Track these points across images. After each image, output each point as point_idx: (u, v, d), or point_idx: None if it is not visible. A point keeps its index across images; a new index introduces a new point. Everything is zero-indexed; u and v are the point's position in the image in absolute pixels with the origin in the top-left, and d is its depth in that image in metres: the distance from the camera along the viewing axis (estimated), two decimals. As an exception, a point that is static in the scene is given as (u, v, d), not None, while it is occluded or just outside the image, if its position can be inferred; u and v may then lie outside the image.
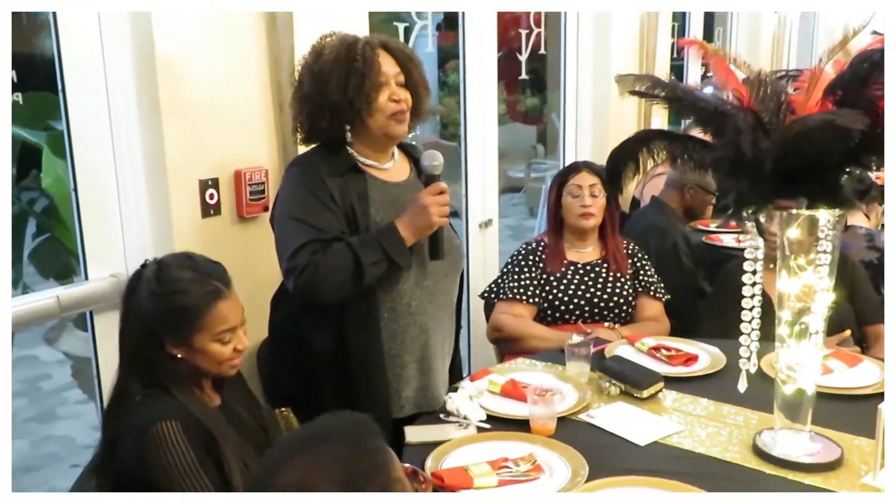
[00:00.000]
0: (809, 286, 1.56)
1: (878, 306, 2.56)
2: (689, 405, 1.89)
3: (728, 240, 3.50)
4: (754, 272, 1.59)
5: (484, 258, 3.53)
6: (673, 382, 2.00)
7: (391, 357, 1.90)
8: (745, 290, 1.58)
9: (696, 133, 1.65)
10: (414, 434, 1.71)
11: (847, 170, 1.52)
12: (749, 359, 1.64)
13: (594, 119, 4.11)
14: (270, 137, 2.35)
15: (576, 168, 2.67)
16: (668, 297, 2.66)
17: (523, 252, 2.64)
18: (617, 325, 2.56)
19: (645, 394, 1.91)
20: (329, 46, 1.87)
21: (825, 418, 1.70)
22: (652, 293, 2.62)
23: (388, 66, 1.88)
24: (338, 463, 0.98)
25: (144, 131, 2.09)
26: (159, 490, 1.44)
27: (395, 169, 1.99)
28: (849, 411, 1.82)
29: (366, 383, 1.87)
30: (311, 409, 1.93)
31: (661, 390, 1.94)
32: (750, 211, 1.56)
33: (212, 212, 2.21)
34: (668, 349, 2.20)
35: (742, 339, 1.62)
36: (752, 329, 1.62)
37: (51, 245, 3.23)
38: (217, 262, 1.64)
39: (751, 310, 1.60)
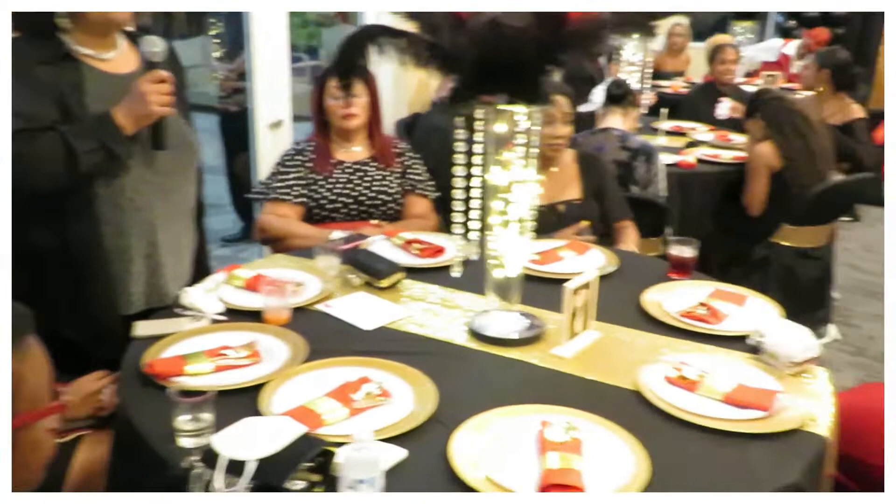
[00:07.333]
0: (513, 178, 1.68)
1: (622, 203, 2.79)
2: (424, 293, 2.01)
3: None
4: (468, 165, 1.69)
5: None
6: (417, 273, 2.11)
7: (117, 252, 1.89)
8: (457, 183, 1.69)
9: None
10: (143, 328, 1.71)
11: (546, 68, 1.64)
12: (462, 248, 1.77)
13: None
14: None
15: (331, 72, 2.66)
16: (439, 194, 2.76)
17: (291, 153, 2.64)
18: (384, 223, 2.64)
19: (384, 283, 2.01)
20: None
21: (542, 300, 1.87)
22: (419, 191, 2.71)
23: None
24: None
25: None
26: None
27: (119, 59, 1.92)
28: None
29: (90, 278, 1.86)
30: (37, 307, 1.89)
31: (400, 280, 2.05)
32: (461, 105, 1.66)
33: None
34: (421, 243, 2.30)
35: (454, 228, 1.74)
36: (470, 219, 1.74)
37: None
38: None
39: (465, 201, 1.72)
